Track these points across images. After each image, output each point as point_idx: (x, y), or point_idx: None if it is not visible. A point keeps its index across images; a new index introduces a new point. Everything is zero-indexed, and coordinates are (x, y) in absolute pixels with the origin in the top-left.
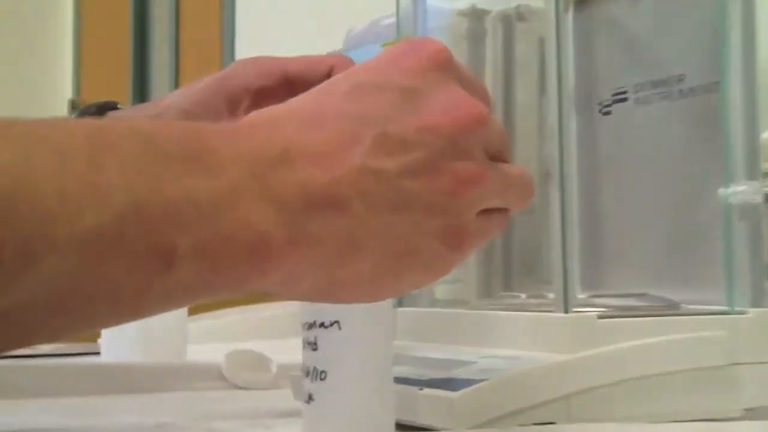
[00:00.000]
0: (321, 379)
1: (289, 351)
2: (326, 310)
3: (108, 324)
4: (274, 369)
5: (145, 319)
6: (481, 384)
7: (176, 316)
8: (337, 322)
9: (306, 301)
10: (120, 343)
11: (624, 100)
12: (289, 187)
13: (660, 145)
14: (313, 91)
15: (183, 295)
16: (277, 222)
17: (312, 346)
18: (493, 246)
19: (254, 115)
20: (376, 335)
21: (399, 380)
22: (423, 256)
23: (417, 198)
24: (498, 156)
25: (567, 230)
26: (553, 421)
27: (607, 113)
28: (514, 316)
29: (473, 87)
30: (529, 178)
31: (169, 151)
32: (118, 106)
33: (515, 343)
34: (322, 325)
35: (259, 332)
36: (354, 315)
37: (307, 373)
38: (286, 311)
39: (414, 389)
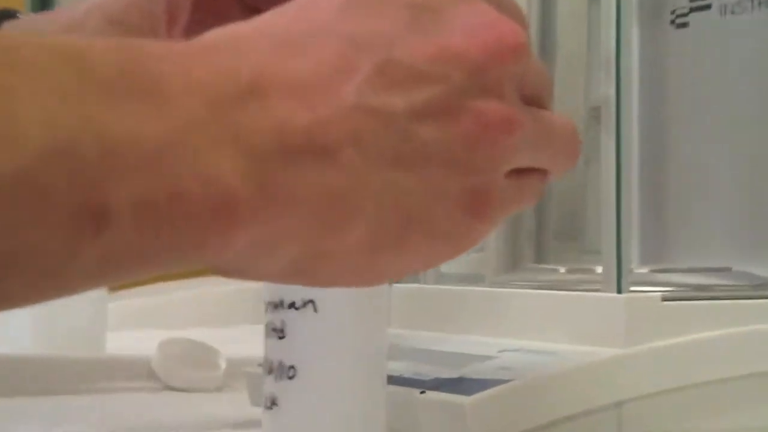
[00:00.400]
0: (289, 378)
1: (244, 341)
2: (298, 288)
3: (17, 302)
4: (223, 365)
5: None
6: (501, 387)
7: (92, 294)
8: (311, 302)
9: (279, 282)
10: (11, 328)
11: (706, 7)
12: (261, 128)
13: (753, 71)
14: (292, 4)
15: (117, 267)
16: (244, 173)
17: (278, 333)
18: None
19: (212, 33)
20: (363, 320)
21: (394, 380)
22: (436, 226)
23: (430, 148)
24: (535, 100)
25: (623, 184)
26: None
27: (683, 25)
28: (548, 296)
29: (504, 3)
30: (574, 132)
31: (104, 76)
32: (18, 14)
33: (549, 332)
34: (292, 306)
35: (204, 316)
36: (334, 293)
37: (270, 370)
38: (241, 287)
39: (413, 392)
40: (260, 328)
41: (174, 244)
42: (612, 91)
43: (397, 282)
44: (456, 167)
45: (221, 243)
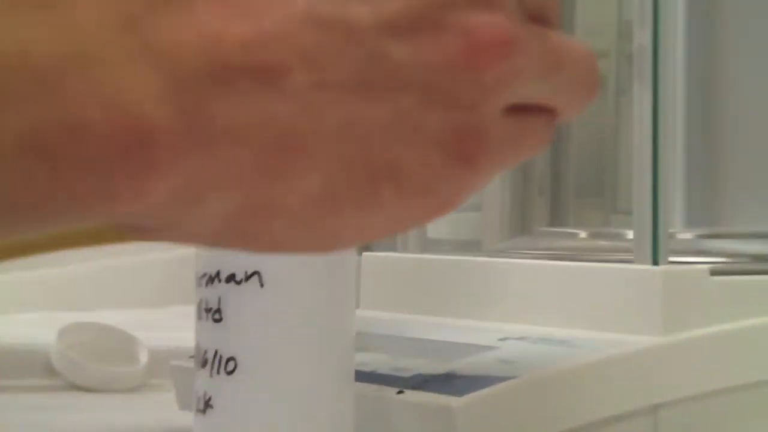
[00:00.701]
0: (227, 372)
1: (170, 326)
2: (239, 256)
3: None
4: (143, 357)
5: None
6: (500, 386)
7: None
8: (256, 274)
9: (211, 245)
10: None
11: None
12: (184, 42)
13: None
14: None
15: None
16: (162, 98)
17: (213, 315)
18: None
19: None
20: (322, 299)
21: (363, 377)
22: (412, 174)
23: (404, 72)
24: (540, 17)
25: (660, 130)
26: None
27: None
28: (564, 268)
29: None
30: (590, 58)
31: None
32: None
33: (564, 315)
34: (231, 279)
35: (118, 294)
36: (286, 263)
37: (204, 363)
38: (166, 257)
39: (388, 392)
40: (191, 310)
41: (74, 192)
42: (648, 36)
43: (365, 249)
44: (437, 98)
45: (134, 190)
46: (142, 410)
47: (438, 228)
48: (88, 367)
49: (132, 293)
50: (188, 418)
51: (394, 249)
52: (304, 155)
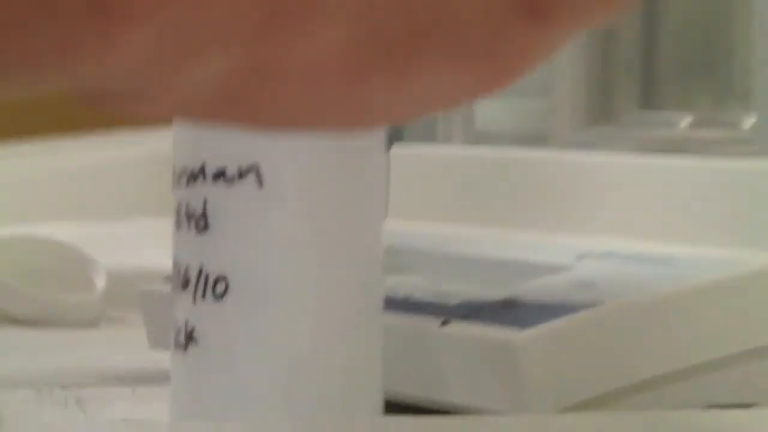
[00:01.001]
0: (215, 296)
1: (136, 242)
2: (232, 145)
3: None
4: (100, 281)
5: None
6: (577, 316)
7: None
8: (253, 168)
9: (198, 120)
10: None
11: None
12: None
13: None
14: None
15: None
16: None
17: (196, 222)
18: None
19: None
20: (339, 201)
21: (395, 305)
22: (463, 29)
23: None
24: None
25: None
26: (748, 401)
27: None
28: (662, 165)
29: None
30: None
31: None
32: None
33: (661, 226)
34: (221, 176)
35: (64, 203)
36: (292, 152)
37: (185, 284)
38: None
39: (428, 324)
40: (159, 225)
41: (22, 43)
42: None
43: (396, 139)
44: None
45: (103, 41)
46: (99, 350)
47: (490, 116)
48: (26, 295)
49: (84, 201)
50: (162, 358)
51: (433, 140)
52: (320, 5)
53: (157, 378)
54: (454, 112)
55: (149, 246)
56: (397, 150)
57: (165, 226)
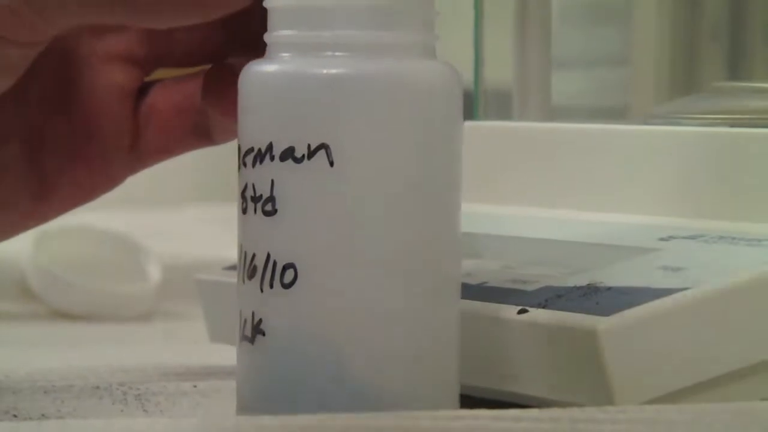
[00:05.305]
0: (284, 285)
1: (192, 231)
2: (300, 122)
3: None
4: (155, 273)
5: None
6: (664, 301)
7: None
8: (323, 147)
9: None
10: None
11: None
12: None
13: None
14: None
15: None
16: None
17: (263, 206)
18: None
19: None
20: (417, 182)
21: (470, 291)
22: None
23: None
24: None
25: None
26: None
27: None
28: (753, 137)
29: None
30: None
31: None
32: None
33: (754, 203)
34: (289, 155)
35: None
36: (365, 132)
37: (251, 273)
38: None
39: (505, 311)
40: (213, 213)
41: None
42: None
43: (471, 120)
44: None
45: None
46: (154, 345)
47: (566, 90)
48: (77, 288)
49: (132, 189)
50: (224, 353)
51: (508, 117)
52: None
53: (216, 372)
54: (529, 88)
55: (198, 236)
56: (470, 127)
57: (212, 215)
